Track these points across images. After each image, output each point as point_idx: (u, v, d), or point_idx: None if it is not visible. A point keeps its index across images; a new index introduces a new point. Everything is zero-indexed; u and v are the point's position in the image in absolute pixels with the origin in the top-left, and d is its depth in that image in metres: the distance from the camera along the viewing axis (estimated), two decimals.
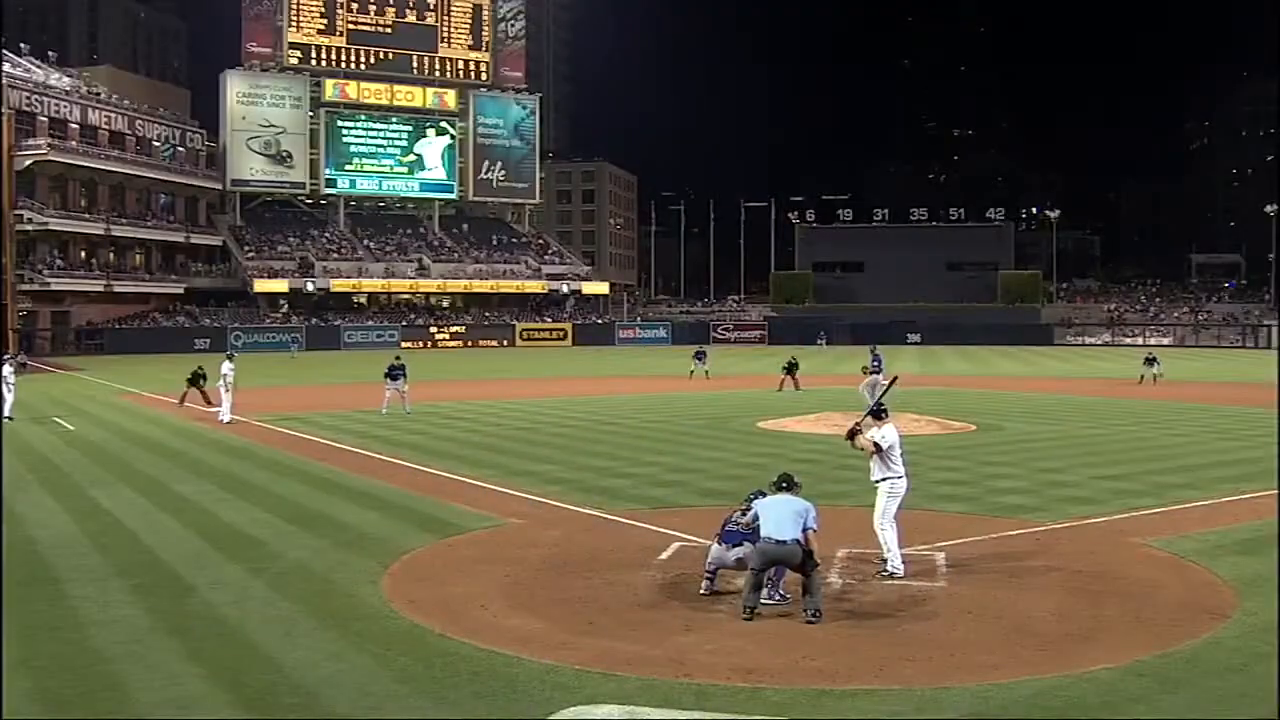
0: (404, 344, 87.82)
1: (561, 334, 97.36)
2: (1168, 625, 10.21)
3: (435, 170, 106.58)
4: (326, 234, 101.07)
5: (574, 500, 17.09)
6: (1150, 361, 44.92)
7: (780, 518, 10.76)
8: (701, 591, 11.40)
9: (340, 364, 63.35)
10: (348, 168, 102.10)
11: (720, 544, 11.45)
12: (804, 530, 10.66)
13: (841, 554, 12.91)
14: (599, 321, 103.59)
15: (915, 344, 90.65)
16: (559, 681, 8.72)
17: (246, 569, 12.44)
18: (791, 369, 41.16)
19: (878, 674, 8.97)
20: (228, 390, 28.72)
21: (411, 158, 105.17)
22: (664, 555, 13.17)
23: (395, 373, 31.88)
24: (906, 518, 13.14)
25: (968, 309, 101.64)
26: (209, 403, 33.08)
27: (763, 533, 10.75)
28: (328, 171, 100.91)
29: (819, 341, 78.15)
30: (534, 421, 30.07)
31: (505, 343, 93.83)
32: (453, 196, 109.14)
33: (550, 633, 10.05)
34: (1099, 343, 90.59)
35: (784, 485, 11.14)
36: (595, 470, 20.46)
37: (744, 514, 11.42)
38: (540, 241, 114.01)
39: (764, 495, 11.54)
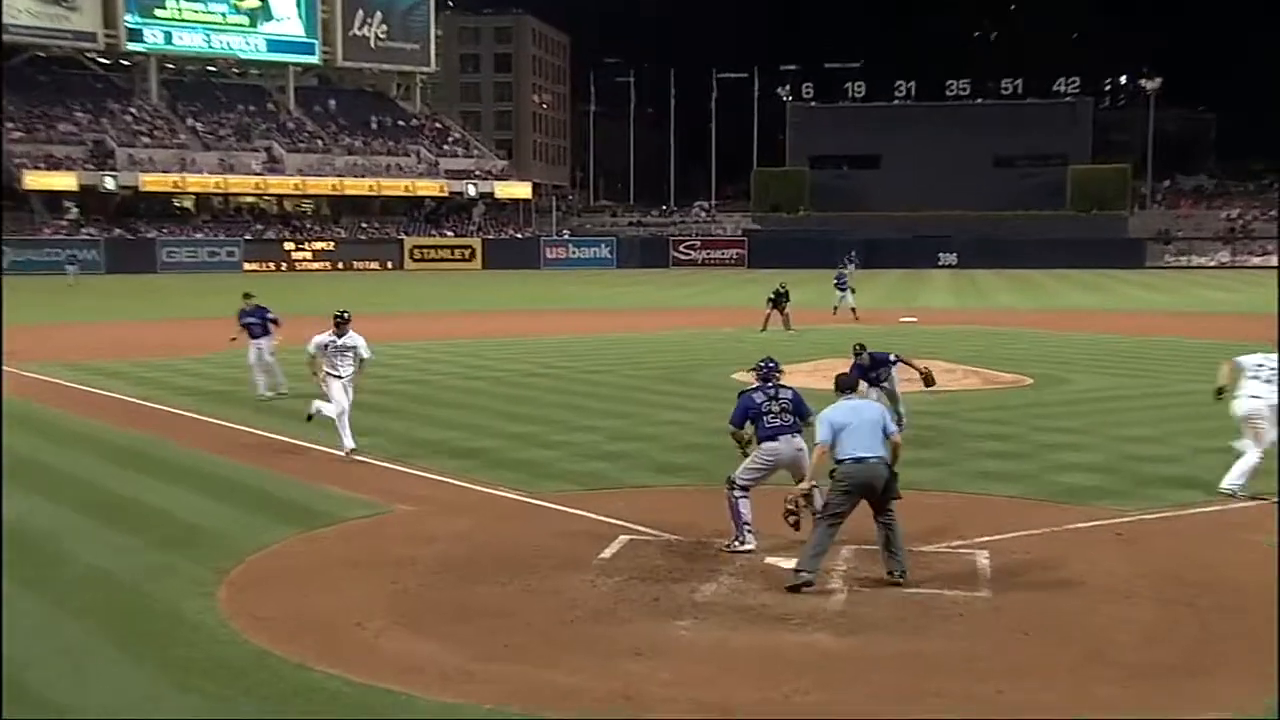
0: (247, 265, 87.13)
1: (467, 253, 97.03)
2: None
3: (287, 22, 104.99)
4: (132, 109, 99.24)
5: (485, 479, 17.06)
6: None
7: (860, 429, 11.73)
8: (729, 546, 12.90)
9: (156, 293, 62.60)
10: (159, 14, 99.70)
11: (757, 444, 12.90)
12: (887, 437, 11.85)
13: (846, 552, 12.98)
14: (518, 236, 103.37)
15: (949, 267, 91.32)
16: None
17: (18, 581, 12.18)
18: (780, 301, 41.23)
19: (895, 716, 9.02)
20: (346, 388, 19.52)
21: (253, 3, 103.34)
22: (606, 552, 13.16)
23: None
24: (940, 501, 13.20)
25: (1024, 218, 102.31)
26: None
27: (840, 453, 11.56)
28: (129, 19, 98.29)
29: (847, 263, 77.86)
30: (430, 372, 29.88)
31: (390, 264, 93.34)
32: (314, 60, 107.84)
33: (452, 659, 10.01)
34: (1212, 263, 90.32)
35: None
36: (514, 438, 20.39)
37: (766, 395, 12.98)
38: (437, 125, 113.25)
39: (774, 364, 13.36)
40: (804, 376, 27.94)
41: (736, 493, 13.02)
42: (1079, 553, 13.32)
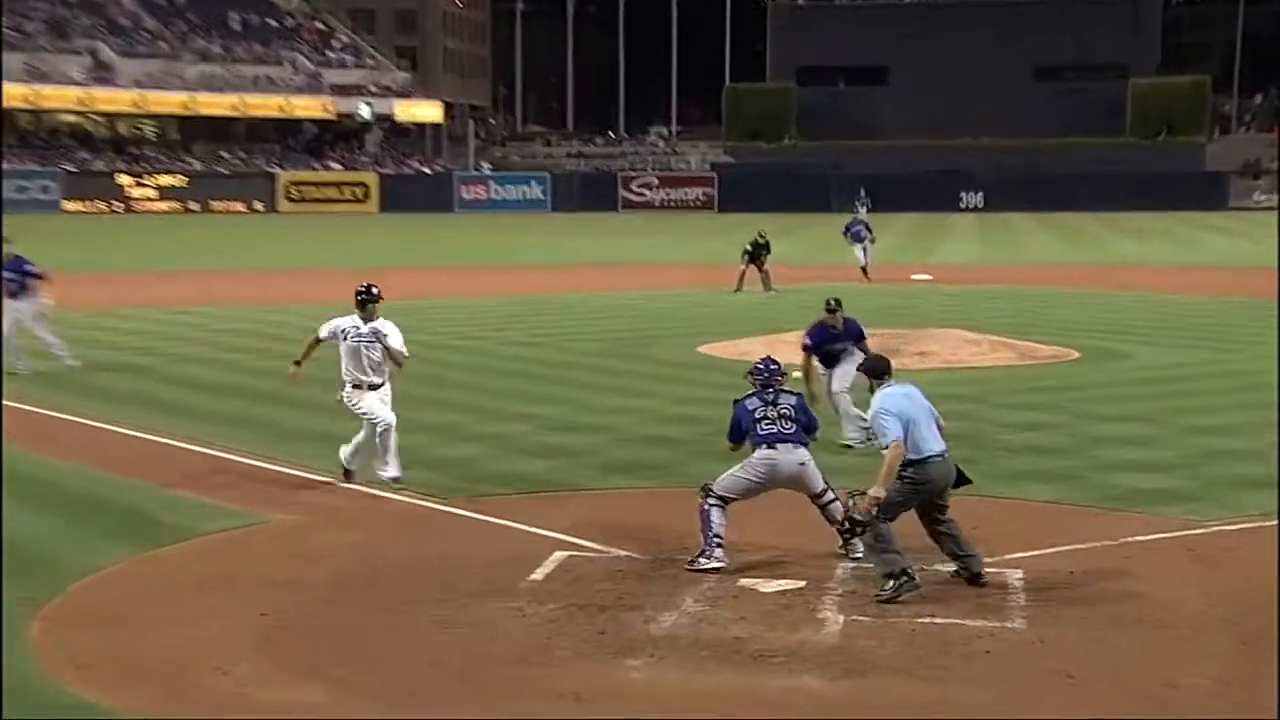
0: (69, 204, 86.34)
1: (360, 191, 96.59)
2: None
3: None
4: None
5: (386, 481, 17.02)
6: None
7: (926, 420, 12.70)
8: (692, 563, 13.09)
9: None
10: None
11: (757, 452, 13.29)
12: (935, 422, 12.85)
13: (842, 572, 13.15)
14: (426, 171, 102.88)
15: (974, 210, 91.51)
16: None
17: None
18: (758, 254, 41.26)
19: None
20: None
21: None
22: (538, 573, 13.21)
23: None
24: (960, 505, 13.28)
25: (1071, 147, 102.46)
26: None
27: (913, 450, 12.38)
28: None
29: (858, 205, 77.82)
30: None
31: (259, 205, 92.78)
32: None
33: (343, 709, 10.05)
34: None
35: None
36: (422, 429, 20.28)
37: (762, 401, 13.41)
38: (319, 26, 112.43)
39: (775, 367, 13.82)
40: (788, 350, 28.03)
41: (711, 500, 13.24)
42: (1138, 573, 13.42)
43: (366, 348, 16.80)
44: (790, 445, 13.22)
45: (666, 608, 12.13)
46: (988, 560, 13.33)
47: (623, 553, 13.78)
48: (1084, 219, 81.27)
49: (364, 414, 16.71)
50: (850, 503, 12.68)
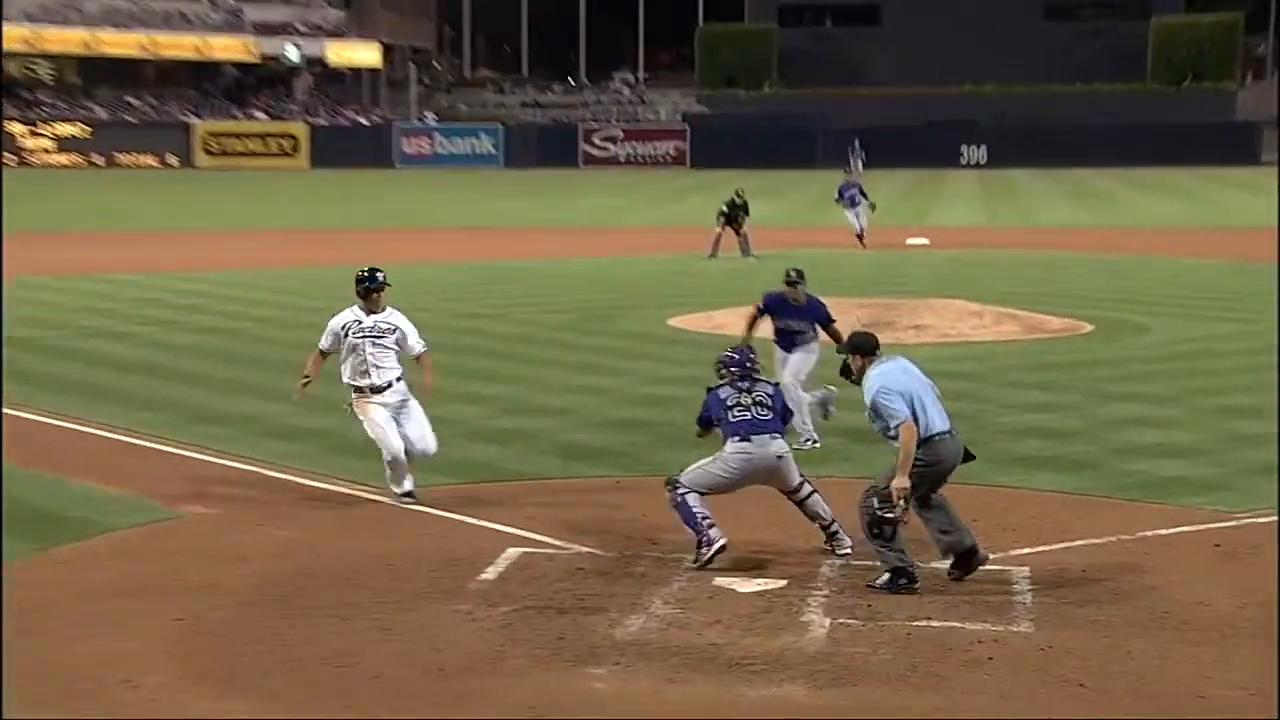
0: None
1: (288, 144, 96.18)
2: None
3: None
4: None
5: (319, 470, 17.12)
6: None
7: (930, 393, 12.86)
8: (696, 560, 13.13)
9: None
10: None
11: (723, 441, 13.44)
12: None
13: (827, 570, 13.19)
14: (362, 122, 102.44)
15: (976, 166, 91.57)
16: None
17: None
18: (735, 216, 41.27)
19: None
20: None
21: None
22: (490, 572, 13.23)
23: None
24: (956, 495, 13.33)
25: (1085, 95, 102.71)
26: None
27: (927, 428, 12.57)
28: None
29: (851, 158, 77.70)
30: (236, 317, 29.70)
31: (174, 159, 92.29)
32: None
33: None
34: None
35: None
36: None
37: (737, 389, 13.55)
38: None
39: (751, 359, 13.87)
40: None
41: (680, 489, 13.32)
42: (1158, 571, 13.47)
43: (373, 344, 15.87)
44: (766, 436, 13.33)
45: (633, 610, 12.15)
46: (992, 557, 13.34)
47: (584, 549, 13.83)
48: (1099, 175, 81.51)
49: (376, 434, 15.64)
50: (873, 502, 12.57)
